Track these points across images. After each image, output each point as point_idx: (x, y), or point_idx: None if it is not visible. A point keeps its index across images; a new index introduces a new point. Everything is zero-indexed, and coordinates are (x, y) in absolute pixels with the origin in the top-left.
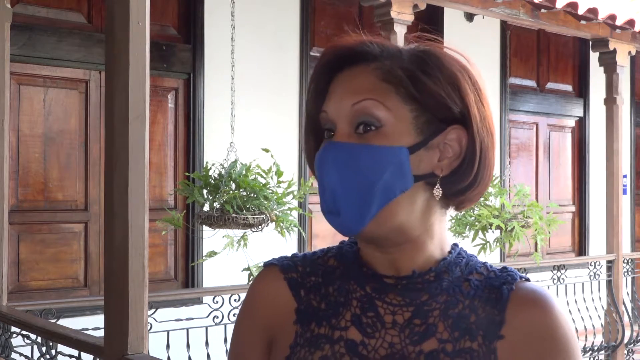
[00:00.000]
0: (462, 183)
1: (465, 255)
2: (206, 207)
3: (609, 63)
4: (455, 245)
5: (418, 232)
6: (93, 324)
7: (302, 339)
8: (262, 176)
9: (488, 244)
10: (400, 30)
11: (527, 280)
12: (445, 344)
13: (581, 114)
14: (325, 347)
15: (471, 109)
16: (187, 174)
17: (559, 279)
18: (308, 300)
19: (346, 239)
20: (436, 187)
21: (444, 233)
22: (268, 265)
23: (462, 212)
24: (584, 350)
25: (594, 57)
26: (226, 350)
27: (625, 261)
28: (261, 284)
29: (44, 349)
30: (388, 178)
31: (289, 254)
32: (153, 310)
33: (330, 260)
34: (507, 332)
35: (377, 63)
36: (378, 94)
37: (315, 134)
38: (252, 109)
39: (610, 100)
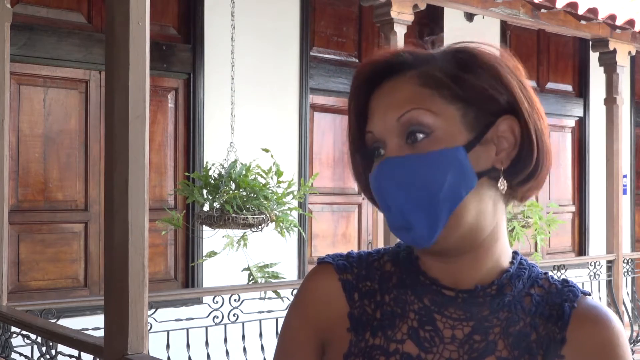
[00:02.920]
0: (525, 171)
1: (527, 265)
2: (206, 207)
3: (609, 63)
4: (515, 253)
5: (486, 234)
6: (93, 324)
7: (356, 349)
8: (262, 176)
9: None
10: (400, 30)
11: (588, 294)
12: None
13: (581, 114)
14: (379, 358)
15: (517, 96)
16: (187, 174)
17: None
18: (362, 306)
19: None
20: (500, 179)
21: (506, 236)
22: (322, 262)
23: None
24: None
25: (594, 57)
26: (226, 351)
27: (625, 261)
28: (314, 282)
29: (44, 349)
30: (451, 181)
31: (344, 252)
32: (153, 310)
33: (387, 264)
34: (567, 351)
35: (413, 71)
36: (420, 101)
37: (363, 154)
38: (252, 109)
39: (610, 100)
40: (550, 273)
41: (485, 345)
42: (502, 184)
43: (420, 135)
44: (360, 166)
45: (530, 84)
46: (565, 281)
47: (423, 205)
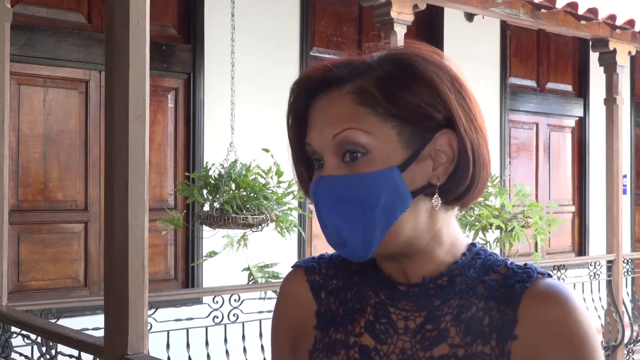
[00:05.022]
0: (460, 187)
1: (482, 255)
2: (206, 207)
3: (609, 63)
4: (472, 245)
5: (425, 242)
6: (93, 324)
7: (320, 344)
8: (262, 176)
9: (488, 244)
10: (400, 30)
11: (548, 275)
12: (457, 349)
13: (581, 114)
14: (340, 352)
15: (454, 112)
16: (187, 174)
17: (559, 279)
18: (328, 304)
19: None
20: (435, 197)
21: (454, 234)
22: (295, 266)
23: (462, 212)
24: None
25: (594, 57)
26: (226, 351)
27: (625, 261)
28: (286, 285)
29: (44, 349)
30: (385, 202)
31: (317, 255)
32: (153, 310)
33: (353, 264)
34: (520, 331)
35: (350, 85)
36: (356, 121)
37: (305, 164)
38: (252, 109)
39: (610, 100)
40: (516, 261)
41: (437, 334)
42: (437, 201)
43: (357, 155)
44: (305, 175)
45: (470, 91)
46: (524, 265)
47: (357, 224)
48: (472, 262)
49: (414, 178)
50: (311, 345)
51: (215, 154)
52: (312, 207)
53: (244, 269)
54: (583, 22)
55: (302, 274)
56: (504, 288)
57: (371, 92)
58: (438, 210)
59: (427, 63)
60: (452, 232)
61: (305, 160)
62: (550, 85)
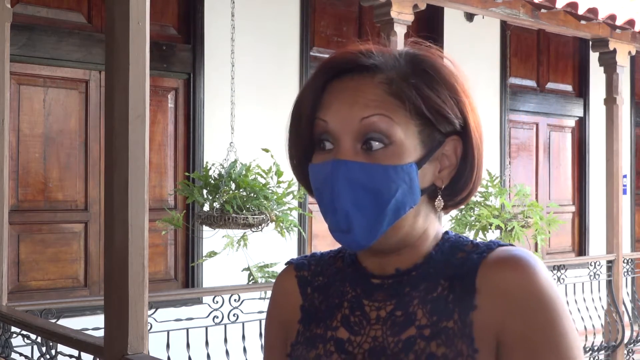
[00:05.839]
0: (463, 192)
1: (453, 238)
2: (206, 207)
3: (609, 63)
4: (446, 232)
5: (415, 239)
6: (93, 324)
7: (302, 338)
8: (262, 176)
9: None
10: (400, 30)
11: (510, 246)
12: (423, 329)
13: (581, 114)
14: (319, 346)
15: (469, 120)
16: (187, 174)
17: (559, 279)
18: (312, 299)
19: None
20: (438, 198)
21: (436, 230)
22: (287, 263)
23: (462, 212)
24: (584, 351)
25: (594, 57)
26: (226, 351)
27: (625, 261)
28: (277, 281)
29: (44, 349)
30: (400, 196)
31: (310, 253)
32: (153, 310)
33: (339, 261)
34: (480, 301)
35: (382, 75)
36: (387, 110)
37: (304, 139)
38: (252, 109)
39: (610, 100)
40: (480, 239)
41: (405, 318)
42: (440, 202)
43: (377, 144)
44: (301, 150)
45: (471, 95)
46: (490, 241)
47: (369, 213)
48: (442, 246)
49: (424, 177)
50: (294, 338)
51: (215, 154)
52: (312, 207)
53: (244, 269)
54: (583, 22)
55: (292, 270)
56: (467, 262)
57: (403, 86)
58: (431, 211)
59: (447, 69)
60: (436, 228)
61: (304, 135)
62: (550, 85)
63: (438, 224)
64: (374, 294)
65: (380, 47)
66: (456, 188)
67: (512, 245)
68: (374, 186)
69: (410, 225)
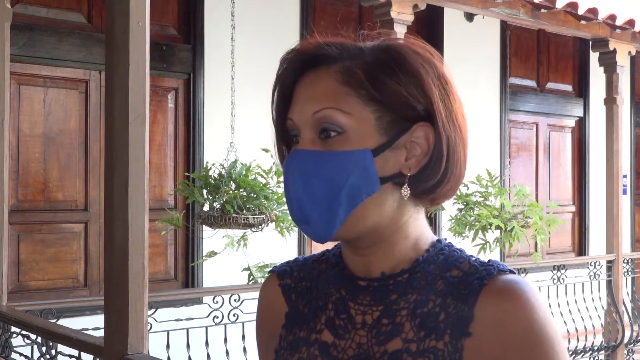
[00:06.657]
0: (430, 181)
1: (447, 251)
2: (206, 207)
3: (609, 63)
4: (438, 241)
5: (390, 232)
6: (93, 324)
7: (285, 342)
8: (262, 176)
9: (488, 244)
10: (400, 30)
11: (511, 273)
12: (410, 343)
13: (581, 114)
14: (302, 349)
15: (435, 106)
16: (187, 174)
17: (559, 279)
18: (296, 305)
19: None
20: (404, 186)
21: (421, 230)
22: (270, 272)
23: (462, 212)
24: (584, 351)
25: (594, 57)
26: (226, 351)
27: (625, 261)
28: (262, 291)
29: (44, 349)
30: (353, 183)
31: (292, 258)
32: (153, 310)
33: (322, 264)
34: (475, 328)
35: (338, 65)
36: (337, 101)
37: (286, 141)
38: (252, 109)
39: (610, 100)
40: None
41: (392, 328)
42: (405, 191)
43: (333, 133)
44: (285, 152)
45: (456, 91)
46: (488, 261)
47: (322, 202)
48: (434, 257)
49: (386, 165)
50: (277, 344)
51: (215, 154)
52: None
53: (244, 269)
54: (583, 22)
55: (275, 279)
56: (464, 285)
57: (356, 74)
58: (407, 202)
59: (417, 55)
60: (419, 228)
61: (285, 137)
62: (550, 85)
63: (422, 224)
64: (359, 296)
65: (343, 40)
66: (422, 177)
67: (512, 272)
68: (326, 173)
69: (378, 216)
